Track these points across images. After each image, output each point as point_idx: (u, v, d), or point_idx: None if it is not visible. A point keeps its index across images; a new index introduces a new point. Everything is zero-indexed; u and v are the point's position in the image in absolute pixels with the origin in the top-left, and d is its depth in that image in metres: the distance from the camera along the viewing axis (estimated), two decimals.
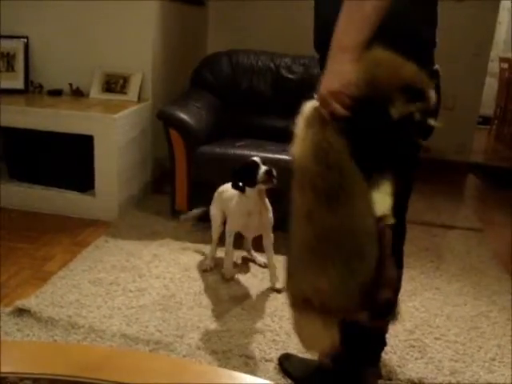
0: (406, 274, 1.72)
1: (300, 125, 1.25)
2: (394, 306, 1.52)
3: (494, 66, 5.98)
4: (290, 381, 1.77)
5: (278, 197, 2.51)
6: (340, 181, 1.17)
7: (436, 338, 2.06)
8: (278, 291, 2.32)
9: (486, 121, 6.40)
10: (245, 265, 2.58)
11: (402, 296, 1.84)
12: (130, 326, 2.01)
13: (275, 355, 1.88)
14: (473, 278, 2.59)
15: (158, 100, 3.41)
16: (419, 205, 3.41)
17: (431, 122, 1.16)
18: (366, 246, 1.19)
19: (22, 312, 2.04)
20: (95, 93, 3.31)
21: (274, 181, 2.14)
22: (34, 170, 3.18)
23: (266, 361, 1.85)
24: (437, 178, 4.15)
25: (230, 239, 2.40)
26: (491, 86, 6.03)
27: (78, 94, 3.34)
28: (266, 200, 2.31)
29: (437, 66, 1.36)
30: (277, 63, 3.44)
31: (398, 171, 1.24)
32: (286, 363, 1.83)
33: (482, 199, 4.14)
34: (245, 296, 2.29)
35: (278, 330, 2.04)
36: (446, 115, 1.25)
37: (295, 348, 1.93)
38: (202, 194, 2.90)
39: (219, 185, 2.52)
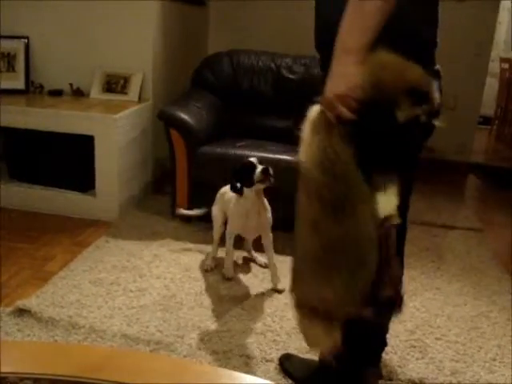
0: (407, 275, 1.71)
1: (306, 130, 1.25)
2: (397, 301, 1.53)
3: (494, 66, 5.98)
4: (290, 381, 1.77)
5: (279, 196, 2.52)
6: (346, 192, 1.17)
7: (437, 338, 2.06)
8: (279, 292, 2.32)
9: (486, 121, 6.40)
10: (245, 265, 2.59)
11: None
12: (130, 326, 2.02)
13: (276, 355, 1.88)
14: (473, 278, 2.59)
15: (159, 100, 3.41)
16: (419, 205, 3.41)
17: (436, 122, 1.16)
18: (369, 254, 1.19)
19: (22, 312, 2.04)
20: (96, 93, 3.31)
21: (271, 179, 2.15)
22: (34, 170, 3.18)
23: (267, 361, 1.85)
24: (437, 178, 4.15)
25: (230, 240, 2.41)
26: (492, 86, 6.03)
27: (78, 94, 3.34)
28: (265, 200, 2.32)
29: (438, 66, 1.36)
30: (278, 63, 3.44)
31: (402, 172, 1.24)
32: (286, 363, 1.83)
33: (482, 199, 4.14)
34: (245, 296, 2.29)
35: (279, 330, 2.04)
36: (446, 115, 1.24)
37: (296, 348, 1.93)
38: (202, 194, 2.90)
39: (220, 185, 2.52)
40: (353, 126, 1.18)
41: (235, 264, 2.50)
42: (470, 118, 4.49)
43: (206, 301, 2.23)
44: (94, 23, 3.27)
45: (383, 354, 1.84)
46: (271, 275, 2.38)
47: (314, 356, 1.82)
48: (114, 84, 3.31)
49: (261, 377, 1.72)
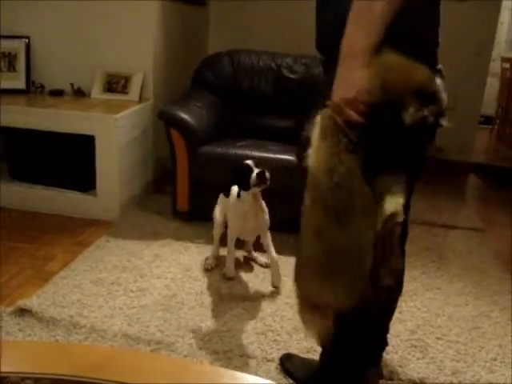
0: (408, 274, 1.72)
1: (315, 134, 1.25)
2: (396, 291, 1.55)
3: (495, 66, 5.97)
4: (291, 381, 1.77)
5: (278, 197, 2.52)
6: (349, 200, 1.18)
7: (437, 338, 2.06)
8: (277, 289, 2.33)
9: (487, 120, 6.40)
10: (246, 265, 2.59)
11: (404, 296, 1.84)
12: (131, 325, 2.02)
13: (276, 355, 1.88)
14: (474, 277, 2.59)
15: (160, 100, 3.41)
16: (420, 205, 3.41)
17: (443, 122, 1.16)
18: (367, 256, 1.20)
19: (23, 312, 2.04)
20: (96, 93, 3.32)
21: (267, 182, 2.15)
22: (35, 170, 3.18)
23: (268, 361, 1.85)
24: (438, 177, 4.15)
25: (231, 241, 2.42)
26: (493, 85, 6.03)
27: (79, 94, 3.34)
28: (262, 202, 2.33)
29: (440, 66, 1.36)
30: (278, 63, 3.44)
31: (410, 173, 1.24)
32: (287, 363, 1.83)
33: (483, 199, 4.14)
34: (246, 296, 2.29)
35: (280, 330, 2.04)
36: (447, 115, 1.24)
37: (297, 348, 1.93)
38: (203, 193, 2.91)
39: (220, 185, 2.52)
40: (361, 129, 1.18)
41: (236, 264, 2.50)
42: (471, 118, 4.48)
43: (207, 300, 2.23)
44: (95, 23, 3.27)
45: (384, 354, 1.84)
46: (272, 273, 2.38)
47: (314, 356, 1.82)
48: (115, 84, 3.31)
49: (262, 377, 1.72)
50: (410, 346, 1.99)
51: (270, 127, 3.34)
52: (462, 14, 4.07)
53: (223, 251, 2.51)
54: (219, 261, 2.54)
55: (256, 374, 1.76)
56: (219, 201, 2.54)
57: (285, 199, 2.47)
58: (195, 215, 2.97)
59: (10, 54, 3.33)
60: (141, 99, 3.30)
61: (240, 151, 2.82)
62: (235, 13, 4.32)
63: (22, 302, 2.08)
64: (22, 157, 3.23)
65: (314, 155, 1.23)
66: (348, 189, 1.18)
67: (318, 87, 3.03)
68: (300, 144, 1.29)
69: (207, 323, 2.06)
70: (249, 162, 2.21)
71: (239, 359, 1.85)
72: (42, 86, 3.38)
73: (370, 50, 1.15)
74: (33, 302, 2.11)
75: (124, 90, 3.30)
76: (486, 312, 2.28)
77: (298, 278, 1.33)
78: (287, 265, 2.47)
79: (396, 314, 1.79)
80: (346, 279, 1.22)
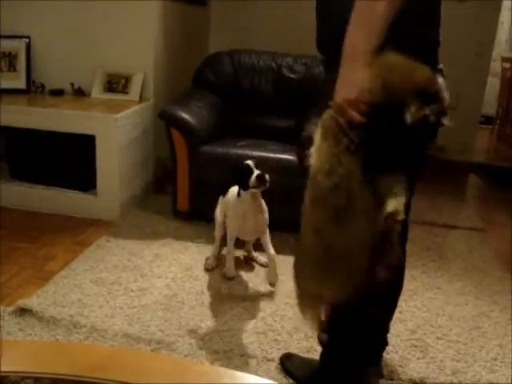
0: (408, 274, 1.72)
1: (317, 134, 1.26)
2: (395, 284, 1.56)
3: (495, 66, 5.97)
4: (291, 380, 1.77)
5: (278, 197, 2.52)
6: (348, 201, 1.19)
7: (438, 338, 2.06)
8: (276, 288, 2.35)
9: (488, 120, 6.39)
10: (246, 265, 2.59)
11: (404, 295, 1.84)
12: (131, 325, 2.02)
13: (277, 355, 1.88)
14: (474, 277, 2.59)
15: (160, 100, 3.41)
16: (421, 204, 3.41)
17: (445, 121, 1.16)
18: (365, 255, 1.21)
19: (23, 312, 2.05)
20: (97, 92, 3.32)
21: (267, 184, 2.16)
22: (35, 170, 3.18)
23: (268, 360, 1.85)
24: (439, 177, 4.15)
25: (231, 241, 2.42)
26: (493, 85, 6.03)
27: (79, 93, 3.34)
28: (262, 201, 2.33)
29: (441, 65, 1.36)
30: (278, 63, 3.44)
31: (412, 172, 1.24)
32: (287, 363, 1.83)
33: (483, 199, 4.14)
34: (246, 295, 2.29)
35: (280, 330, 2.04)
36: (449, 114, 1.24)
37: (297, 348, 1.93)
38: (203, 193, 2.91)
39: (220, 184, 2.53)
40: (363, 129, 1.18)
41: (236, 264, 2.50)
42: (472, 118, 4.48)
43: (207, 300, 2.23)
44: (96, 23, 3.27)
45: (384, 354, 1.84)
46: (269, 271, 2.40)
47: (315, 356, 1.83)
48: (115, 84, 3.31)
49: (262, 376, 1.72)
50: (411, 346, 1.99)
51: (271, 127, 3.34)
52: (462, 13, 4.07)
53: (224, 251, 2.51)
54: (220, 261, 2.54)
55: (256, 373, 1.76)
56: (220, 201, 2.54)
57: (285, 199, 2.47)
58: (195, 215, 2.97)
59: (10, 53, 3.34)
60: (141, 99, 3.30)
61: (240, 151, 2.82)
62: (236, 13, 4.32)
63: (22, 302, 2.09)
64: (22, 156, 3.23)
65: (316, 155, 1.24)
66: (347, 190, 1.18)
67: (318, 87, 3.06)
68: (300, 144, 1.30)
69: (207, 323, 2.06)
70: (249, 162, 2.22)
71: (239, 359, 1.85)
72: (43, 86, 3.38)
73: (372, 50, 1.15)
74: (33, 301, 2.11)
75: (124, 89, 3.30)
76: (487, 312, 2.28)
77: (297, 274, 1.35)
78: (287, 264, 2.48)
79: (396, 314, 1.80)
80: (344, 277, 1.23)
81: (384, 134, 1.17)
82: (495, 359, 1.94)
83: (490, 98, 5.85)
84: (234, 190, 2.37)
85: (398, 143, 1.18)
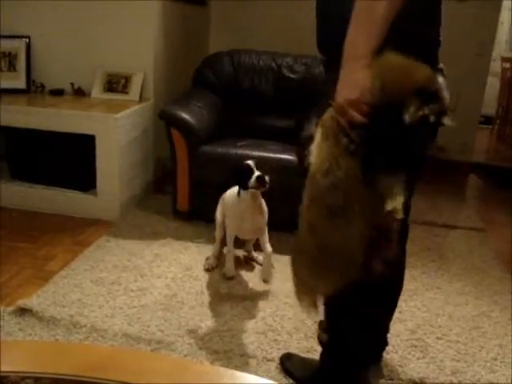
0: (408, 274, 1.72)
1: (318, 133, 1.27)
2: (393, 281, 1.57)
3: (495, 66, 5.97)
4: (291, 380, 1.77)
5: (278, 196, 2.52)
6: (345, 201, 1.20)
7: (438, 338, 2.06)
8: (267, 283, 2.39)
9: (487, 120, 6.39)
10: (246, 265, 2.59)
11: (404, 295, 1.84)
12: (131, 325, 2.02)
13: (277, 355, 1.88)
14: (474, 277, 2.59)
15: (160, 100, 3.41)
16: (421, 204, 3.41)
17: (445, 121, 1.16)
18: (360, 255, 1.23)
19: (23, 311, 2.05)
20: (97, 92, 3.32)
21: (267, 186, 2.16)
22: (35, 170, 3.18)
23: (268, 360, 1.85)
24: (439, 177, 4.15)
25: (230, 240, 2.43)
26: (493, 85, 6.03)
27: (79, 93, 3.34)
28: (262, 201, 2.34)
29: (441, 65, 1.36)
30: (278, 63, 3.44)
31: (411, 172, 1.25)
32: (287, 363, 1.83)
33: (483, 199, 4.14)
34: (246, 295, 2.29)
35: (280, 330, 2.04)
36: (450, 114, 1.24)
37: (297, 348, 1.93)
38: (203, 193, 2.91)
39: (220, 184, 2.53)
40: (364, 129, 1.18)
41: (236, 264, 2.50)
42: (472, 118, 4.48)
43: (207, 300, 2.23)
44: (95, 23, 3.27)
45: (384, 354, 1.84)
46: (263, 267, 2.43)
47: (314, 356, 1.83)
48: (115, 83, 3.31)
49: (262, 376, 1.71)
50: (410, 346, 1.99)
51: (270, 127, 3.34)
52: (462, 13, 4.07)
53: (225, 250, 2.52)
54: (220, 261, 2.54)
55: (256, 373, 1.76)
56: (220, 202, 2.54)
57: (284, 199, 2.46)
58: (195, 215, 2.97)
59: (10, 53, 3.33)
60: (141, 99, 3.30)
61: (240, 151, 2.82)
62: (236, 13, 4.32)
63: (22, 302, 2.09)
64: (22, 156, 3.23)
65: (315, 154, 1.25)
66: (345, 190, 1.20)
67: (318, 87, 3.05)
68: (300, 144, 1.31)
69: (207, 323, 2.06)
70: (250, 162, 2.22)
71: (239, 359, 1.85)
72: (43, 86, 3.38)
73: (373, 50, 1.16)
74: (33, 301, 2.11)
75: (124, 89, 3.30)
76: (487, 312, 2.28)
77: (294, 263, 1.39)
78: (286, 264, 2.48)
79: (396, 314, 1.80)
80: (337, 274, 1.26)
81: (384, 134, 1.17)
82: (495, 359, 1.94)
83: (490, 97, 5.86)
84: (234, 189, 2.37)
85: (398, 143, 1.18)
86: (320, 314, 1.61)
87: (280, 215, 2.42)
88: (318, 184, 1.23)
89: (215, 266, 2.51)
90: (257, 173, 2.17)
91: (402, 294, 1.70)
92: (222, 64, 3.46)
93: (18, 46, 3.33)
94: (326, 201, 1.21)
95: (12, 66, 3.34)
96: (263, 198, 2.34)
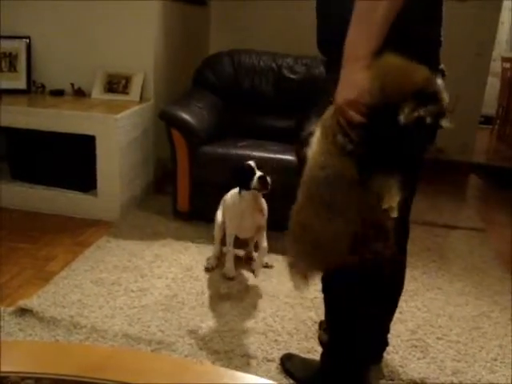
0: (409, 274, 1.72)
1: (318, 130, 1.29)
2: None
3: (496, 66, 5.97)
4: (291, 381, 1.77)
5: (278, 197, 2.53)
6: (336, 197, 1.24)
7: (438, 338, 2.06)
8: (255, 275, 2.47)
9: (488, 120, 6.39)
10: (246, 265, 2.58)
11: (404, 296, 1.84)
12: (131, 325, 2.02)
13: (277, 355, 1.88)
14: (475, 277, 2.59)
15: (160, 100, 3.41)
16: (421, 205, 3.41)
17: (444, 123, 1.16)
18: (342, 245, 1.27)
19: (24, 312, 2.05)
20: (97, 93, 3.32)
21: (268, 187, 2.17)
22: (36, 170, 3.18)
23: (268, 361, 1.85)
24: (439, 178, 4.15)
25: (230, 240, 2.43)
26: (493, 85, 6.02)
27: (80, 94, 3.34)
28: (263, 200, 2.34)
29: (442, 66, 1.36)
30: (279, 63, 3.44)
31: (407, 172, 1.25)
32: (287, 363, 1.83)
33: (484, 199, 4.14)
34: (246, 296, 2.29)
35: (280, 330, 2.04)
36: (450, 115, 1.24)
37: (297, 348, 1.93)
38: (203, 194, 2.91)
39: (221, 185, 2.53)
40: (363, 129, 1.19)
41: (236, 264, 2.50)
42: (472, 118, 4.48)
43: (208, 300, 2.23)
44: (96, 23, 3.27)
45: (384, 354, 1.85)
46: (257, 260, 2.47)
47: (315, 356, 1.83)
48: (116, 84, 3.31)
49: (262, 377, 1.72)
50: (411, 346, 1.99)
51: (271, 127, 3.34)
52: (462, 13, 4.07)
53: (225, 250, 2.52)
54: (220, 261, 2.54)
55: (256, 374, 1.76)
56: (222, 203, 2.54)
57: (285, 199, 2.45)
58: (196, 215, 2.97)
59: (10, 54, 3.34)
60: (141, 99, 3.30)
61: (241, 151, 2.82)
62: (236, 13, 4.32)
63: (22, 302, 2.09)
64: (22, 157, 3.23)
65: (314, 150, 1.28)
66: (336, 187, 1.23)
67: (318, 87, 3.05)
68: (300, 143, 1.32)
69: (208, 323, 2.06)
70: (250, 162, 2.22)
71: (240, 359, 1.85)
72: (43, 86, 3.38)
73: (373, 51, 1.16)
74: (33, 302, 2.11)
75: (125, 90, 3.31)
76: (487, 312, 2.28)
77: (289, 256, 1.44)
78: (286, 265, 2.48)
79: (396, 314, 1.80)
80: (332, 264, 1.33)
81: (381, 134, 1.17)
82: (495, 359, 1.94)
83: (490, 98, 5.85)
84: (235, 191, 2.38)
85: (395, 144, 1.18)
86: (310, 288, 1.62)
87: (280, 215, 2.41)
88: (313, 177, 1.27)
89: (215, 266, 2.51)
90: (258, 173, 2.17)
91: (402, 294, 1.70)
92: (222, 64, 3.46)
93: (19, 46, 3.34)
94: (321, 195, 1.25)
95: (12, 67, 3.35)
96: (264, 197, 2.34)
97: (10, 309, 2.06)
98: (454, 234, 3.16)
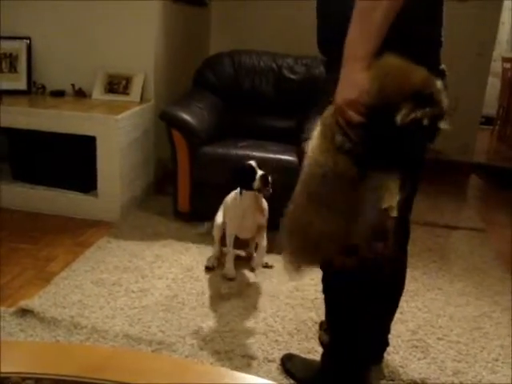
0: (409, 275, 1.72)
1: (318, 128, 1.30)
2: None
3: (496, 66, 5.97)
4: (292, 381, 1.77)
5: (278, 197, 2.53)
6: (333, 196, 1.26)
7: (439, 339, 2.06)
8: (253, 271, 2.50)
9: (488, 121, 6.38)
10: (247, 265, 2.58)
11: (405, 296, 1.84)
12: (132, 326, 2.02)
13: (278, 355, 1.88)
14: (475, 278, 2.59)
15: (161, 101, 3.41)
16: (422, 205, 3.40)
17: (442, 125, 1.16)
18: (332, 243, 1.30)
19: (25, 312, 2.05)
20: (98, 94, 3.32)
21: (270, 189, 2.17)
22: (36, 171, 3.19)
23: (269, 361, 1.85)
24: (440, 178, 4.15)
25: (230, 240, 2.44)
26: (494, 85, 6.02)
27: (80, 94, 3.34)
28: (263, 200, 2.34)
29: (443, 66, 1.36)
30: (279, 64, 3.44)
31: (406, 172, 1.25)
32: (288, 364, 1.83)
33: (484, 200, 4.14)
34: (247, 296, 2.29)
35: (281, 331, 2.04)
36: (448, 115, 1.24)
37: (298, 348, 1.93)
38: (204, 194, 2.91)
39: (221, 185, 2.53)
40: (361, 128, 1.19)
41: (237, 264, 2.50)
42: (472, 118, 4.48)
43: (208, 301, 2.23)
44: (96, 24, 3.27)
45: (385, 354, 1.84)
46: (256, 258, 2.49)
47: (315, 356, 1.83)
48: (116, 85, 3.32)
49: (263, 377, 1.72)
50: (411, 347, 1.99)
51: (271, 128, 3.34)
52: (463, 14, 4.07)
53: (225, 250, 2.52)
54: (220, 261, 2.54)
55: (257, 374, 1.76)
56: (223, 203, 2.54)
57: (285, 199, 2.46)
58: (196, 216, 2.97)
59: (11, 54, 3.34)
60: (142, 100, 3.30)
61: (241, 152, 2.82)
62: (236, 13, 4.33)
63: (23, 303, 2.09)
64: (23, 158, 3.23)
65: (313, 147, 1.29)
66: (335, 186, 1.25)
67: (318, 88, 3.05)
68: (301, 143, 1.33)
69: (208, 323, 2.06)
70: (252, 162, 2.22)
71: (240, 359, 1.85)
72: (44, 87, 3.38)
73: (373, 51, 1.16)
74: (34, 302, 2.11)
75: (125, 90, 3.31)
76: (488, 312, 2.28)
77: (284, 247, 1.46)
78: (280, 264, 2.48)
79: (397, 315, 1.80)
80: (328, 258, 1.34)
81: (378, 134, 1.18)
82: (496, 360, 1.94)
83: (491, 98, 5.85)
84: (236, 191, 2.38)
85: (393, 144, 1.19)
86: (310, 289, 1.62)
87: (280, 216, 2.41)
88: (309, 173, 1.29)
89: (216, 266, 2.51)
90: (260, 172, 2.17)
91: (403, 294, 1.70)
92: (222, 65, 3.46)
93: (19, 47, 3.34)
94: (315, 190, 1.28)
95: (13, 68, 3.35)
96: (264, 197, 2.34)
97: (11, 309, 2.06)
98: (455, 234, 3.16)
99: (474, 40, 4.27)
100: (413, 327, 2.12)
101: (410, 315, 2.20)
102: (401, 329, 2.08)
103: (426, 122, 1.13)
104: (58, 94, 3.33)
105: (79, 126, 2.92)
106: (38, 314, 2.04)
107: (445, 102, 1.17)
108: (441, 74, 1.33)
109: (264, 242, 2.41)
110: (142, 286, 2.32)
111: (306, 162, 1.30)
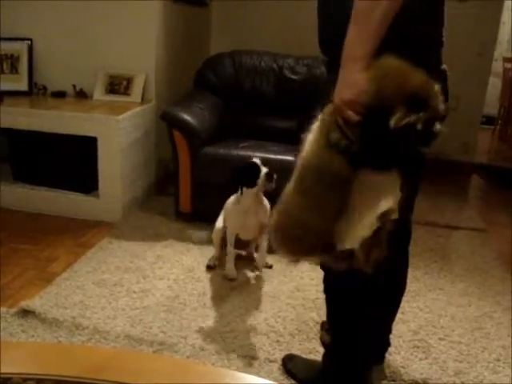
0: (411, 275, 1.72)
1: (316, 126, 1.30)
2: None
3: (497, 66, 5.96)
4: (293, 381, 1.77)
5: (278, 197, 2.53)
6: (327, 194, 1.27)
7: (440, 339, 2.05)
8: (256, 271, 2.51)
9: (489, 121, 6.38)
10: (247, 266, 2.58)
11: (406, 296, 1.84)
12: (133, 327, 2.02)
13: (279, 356, 1.88)
14: (477, 278, 2.59)
15: (162, 101, 3.41)
16: (423, 205, 3.40)
17: (437, 128, 1.16)
18: (319, 238, 1.30)
19: (26, 313, 2.05)
20: (99, 94, 3.32)
21: (273, 185, 2.17)
22: (37, 172, 3.19)
23: (270, 361, 1.85)
24: (441, 178, 4.14)
25: (230, 240, 2.43)
26: (495, 85, 6.01)
27: (81, 95, 3.35)
28: (265, 199, 2.34)
29: (444, 66, 1.36)
30: (280, 64, 3.44)
31: (405, 172, 1.25)
32: (289, 364, 1.83)
33: (485, 200, 4.13)
34: (248, 297, 2.29)
35: (282, 331, 2.04)
36: (449, 115, 1.24)
37: (299, 349, 1.93)
38: (205, 194, 2.91)
39: (222, 186, 2.53)
40: (359, 128, 1.19)
41: (237, 265, 2.50)
42: (473, 118, 4.48)
43: (209, 301, 2.23)
44: (97, 24, 3.27)
45: (386, 355, 1.84)
46: (258, 257, 2.50)
47: (317, 357, 1.83)
48: (117, 85, 3.32)
49: (264, 377, 1.72)
50: (413, 347, 1.99)
51: (272, 128, 3.34)
52: (463, 14, 4.07)
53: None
54: (221, 262, 2.54)
55: (258, 374, 1.76)
56: (224, 207, 2.54)
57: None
58: (197, 216, 2.97)
59: (12, 55, 3.34)
60: (143, 100, 3.30)
61: (242, 152, 2.82)
62: (237, 13, 4.33)
63: (24, 303, 2.09)
64: (24, 158, 3.24)
65: (311, 143, 1.29)
66: (331, 185, 1.25)
67: (319, 88, 3.04)
68: (301, 144, 1.33)
69: (209, 324, 2.06)
70: (255, 160, 2.23)
71: (242, 360, 1.85)
72: (45, 88, 3.38)
73: (372, 51, 1.16)
74: (35, 303, 2.11)
75: (126, 91, 3.31)
76: (489, 312, 2.27)
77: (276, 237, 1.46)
78: (287, 266, 2.48)
79: (399, 315, 1.80)
80: (319, 253, 1.35)
81: (374, 134, 1.18)
82: (498, 360, 1.94)
83: (492, 98, 5.84)
84: (238, 194, 2.37)
85: (388, 144, 1.19)
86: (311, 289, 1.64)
87: None
88: (306, 168, 1.29)
89: (217, 265, 2.51)
90: (265, 169, 2.17)
91: (404, 294, 1.70)
92: (223, 65, 3.46)
93: (20, 48, 3.34)
94: (308, 185, 1.29)
95: (14, 68, 3.35)
96: (265, 197, 2.34)
97: (12, 310, 2.07)
98: (457, 234, 3.16)
99: (475, 40, 4.27)
100: (414, 327, 2.12)
101: (411, 315, 2.20)
102: (402, 329, 2.07)
103: (419, 126, 1.13)
104: (59, 94, 3.33)
105: (80, 127, 2.92)
106: (40, 314, 2.04)
107: (441, 106, 1.17)
108: (442, 75, 1.33)
109: (265, 242, 2.41)
110: (144, 286, 2.32)
111: (302, 155, 1.31)
